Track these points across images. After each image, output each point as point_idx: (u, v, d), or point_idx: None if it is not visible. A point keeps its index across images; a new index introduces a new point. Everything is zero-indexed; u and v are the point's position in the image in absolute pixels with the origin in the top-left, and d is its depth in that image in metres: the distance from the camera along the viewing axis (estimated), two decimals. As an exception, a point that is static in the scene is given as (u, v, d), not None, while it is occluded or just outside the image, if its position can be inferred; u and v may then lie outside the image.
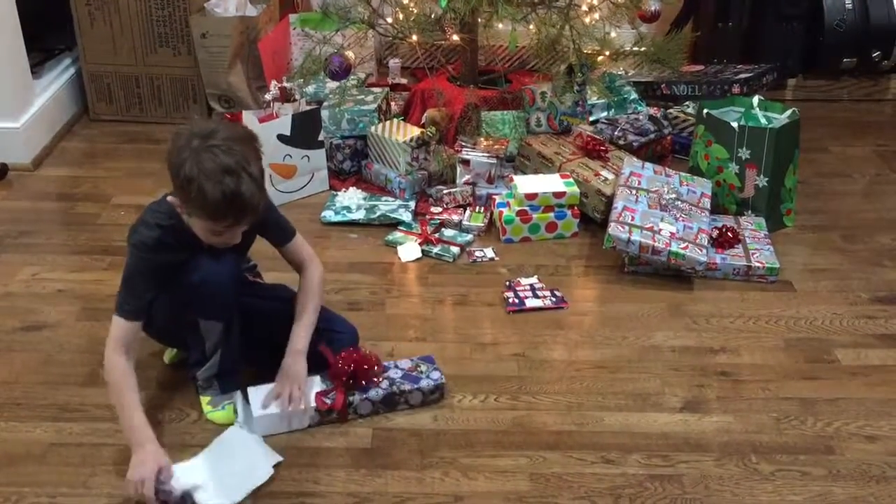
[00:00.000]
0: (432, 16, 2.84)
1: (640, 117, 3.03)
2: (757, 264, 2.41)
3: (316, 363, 1.92)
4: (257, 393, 1.89)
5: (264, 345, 1.95)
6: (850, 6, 3.42)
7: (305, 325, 1.93)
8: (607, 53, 2.90)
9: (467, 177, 2.75)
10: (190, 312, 1.83)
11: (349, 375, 1.89)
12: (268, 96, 2.93)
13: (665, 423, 1.92)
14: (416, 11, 2.85)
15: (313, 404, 1.87)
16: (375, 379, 1.92)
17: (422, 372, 1.96)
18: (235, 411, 1.90)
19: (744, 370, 2.09)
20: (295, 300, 1.97)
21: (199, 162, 1.64)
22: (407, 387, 1.92)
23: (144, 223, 1.80)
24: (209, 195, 1.63)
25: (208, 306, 1.82)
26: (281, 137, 2.71)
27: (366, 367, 1.91)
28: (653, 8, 2.94)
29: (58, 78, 3.27)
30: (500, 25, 2.81)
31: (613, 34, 2.89)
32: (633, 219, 2.41)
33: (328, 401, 1.87)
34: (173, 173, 1.69)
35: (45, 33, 3.27)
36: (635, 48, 2.97)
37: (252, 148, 1.72)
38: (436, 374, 1.96)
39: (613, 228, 2.38)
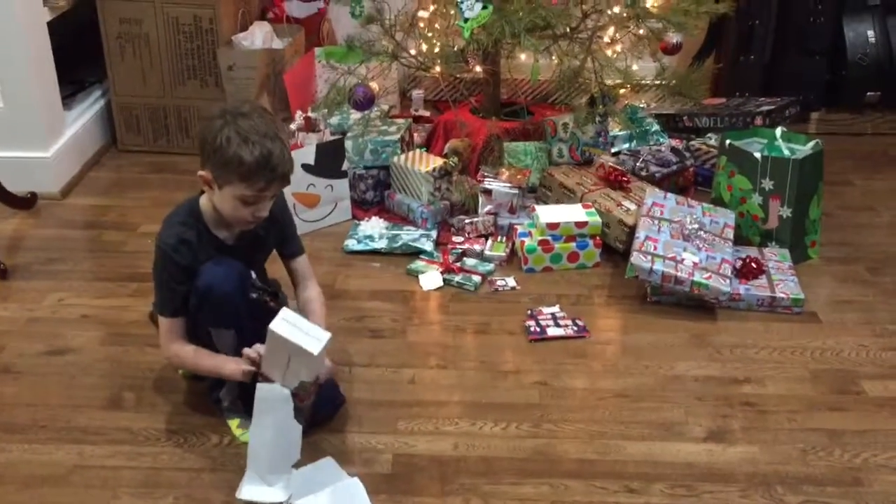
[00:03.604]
0: (455, 48, 2.87)
1: (663, 149, 3.03)
2: (781, 295, 2.39)
3: None
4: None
5: None
6: (872, 40, 3.43)
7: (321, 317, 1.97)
8: (629, 85, 2.91)
9: (489, 207, 2.76)
10: (201, 322, 1.86)
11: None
12: (293, 126, 2.97)
13: (689, 453, 1.90)
14: (439, 44, 2.89)
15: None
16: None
17: None
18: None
19: (769, 400, 2.07)
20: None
21: (236, 126, 1.74)
22: None
23: (167, 222, 1.87)
24: (247, 155, 1.72)
25: (216, 313, 1.84)
26: (305, 167, 2.73)
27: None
28: (674, 40, 2.96)
29: (88, 109, 3.33)
30: (523, 57, 2.83)
31: (635, 66, 2.90)
32: (655, 248, 2.40)
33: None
34: (209, 141, 1.76)
35: (77, 66, 3.34)
36: (657, 80, 2.99)
37: (278, 122, 1.84)
38: None
39: (636, 258, 2.38)
